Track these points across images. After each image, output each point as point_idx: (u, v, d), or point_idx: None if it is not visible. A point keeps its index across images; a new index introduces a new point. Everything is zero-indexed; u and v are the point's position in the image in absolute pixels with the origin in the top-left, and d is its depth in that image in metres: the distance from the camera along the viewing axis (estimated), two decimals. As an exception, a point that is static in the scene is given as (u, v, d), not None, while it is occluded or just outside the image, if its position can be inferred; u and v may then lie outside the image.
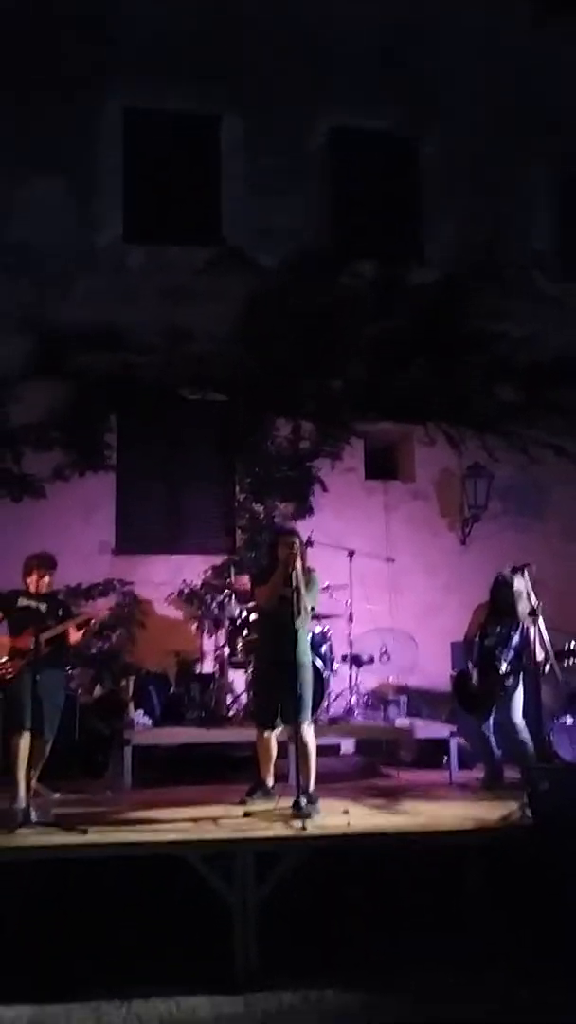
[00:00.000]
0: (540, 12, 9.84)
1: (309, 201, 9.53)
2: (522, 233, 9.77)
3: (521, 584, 6.43)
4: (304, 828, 4.96)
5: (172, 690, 7.52)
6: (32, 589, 5.91)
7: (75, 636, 6.08)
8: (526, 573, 6.32)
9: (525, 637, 6.37)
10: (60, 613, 6.01)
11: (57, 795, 5.97)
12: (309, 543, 7.33)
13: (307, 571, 5.74)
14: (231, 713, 7.14)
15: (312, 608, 5.73)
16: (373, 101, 9.70)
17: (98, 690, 7.90)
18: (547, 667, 6.30)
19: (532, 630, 6.40)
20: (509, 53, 9.92)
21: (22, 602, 5.94)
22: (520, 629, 6.41)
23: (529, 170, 10.00)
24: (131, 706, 7.13)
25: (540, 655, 6.25)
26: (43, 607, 5.86)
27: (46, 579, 5.98)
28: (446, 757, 6.96)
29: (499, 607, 6.52)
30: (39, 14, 9.12)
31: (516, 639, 6.38)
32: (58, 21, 9.11)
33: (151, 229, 9.29)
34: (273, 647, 5.66)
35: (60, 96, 9.08)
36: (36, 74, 9.06)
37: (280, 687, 5.58)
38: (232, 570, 8.46)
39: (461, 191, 9.74)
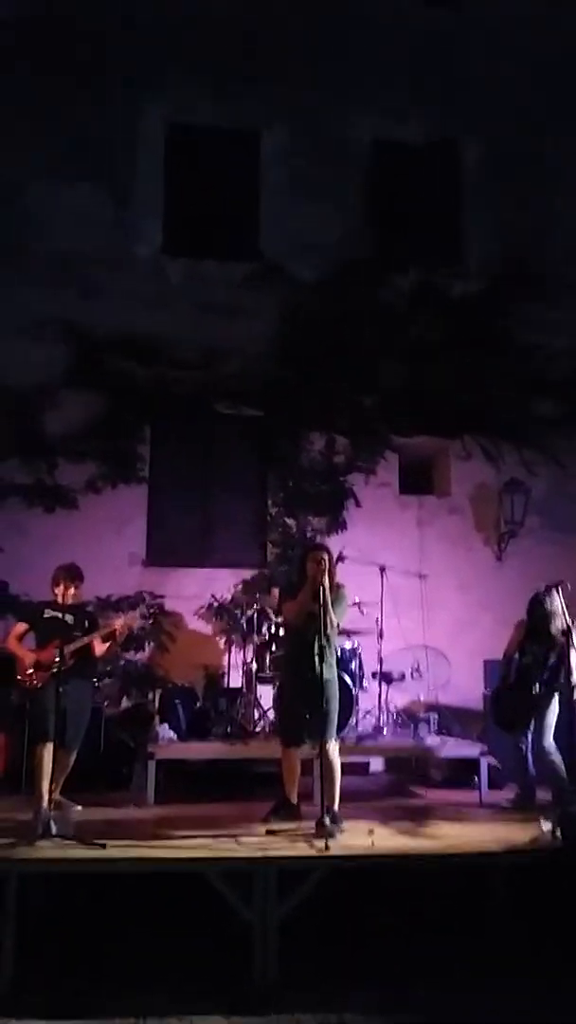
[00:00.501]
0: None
1: (349, 214, 9.47)
2: (565, 243, 9.59)
3: (555, 603, 6.30)
4: (326, 848, 4.88)
5: (199, 704, 7.47)
6: (59, 600, 5.91)
7: (101, 648, 6.08)
8: (560, 591, 6.18)
9: (560, 657, 6.25)
10: (87, 625, 6.01)
11: (79, 808, 5.94)
12: (340, 558, 7.29)
13: (336, 587, 5.68)
14: (258, 729, 7.06)
15: (338, 625, 5.64)
16: (413, 111, 9.67)
17: (125, 702, 7.88)
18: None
19: (569, 650, 6.30)
20: (551, 57, 9.83)
21: (48, 614, 5.95)
22: (557, 650, 6.29)
23: (573, 177, 9.84)
24: (157, 719, 7.09)
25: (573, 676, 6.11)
26: (69, 619, 5.86)
27: (72, 590, 5.99)
28: (476, 777, 6.81)
29: (535, 626, 6.40)
30: (83, 25, 9.22)
31: (552, 659, 6.26)
32: (102, 33, 9.22)
33: (190, 242, 9.31)
34: (300, 663, 5.58)
35: (102, 107, 9.18)
36: (79, 85, 9.15)
37: (306, 703, 5.52)
38: (264, 585, 8.43)
39: (503, 201, 9.65)
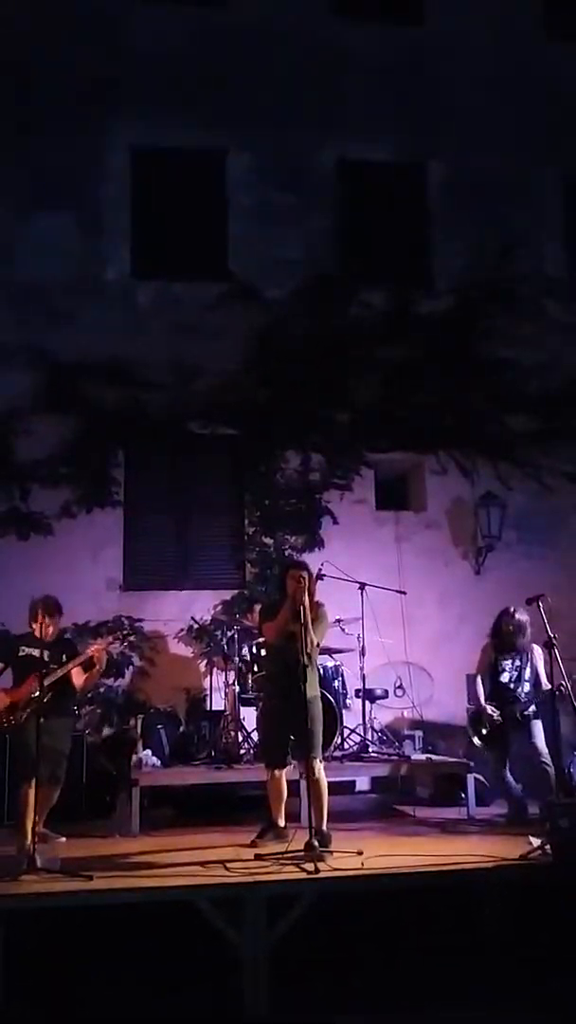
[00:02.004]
0: (546, 29, 9.94)
1: (317, 232, 9.54)
2: (533, 259, 9.69)
3: (524, 617, 6.35)
4: (316, 870, 4.81)
5: (182, 728, 7.39)
6: (37, 635, 5.80)
7: (80, 679, 5.97)
8: (541, 604, 6.18)
9: (535, 668, 6.31)
10: (64, 659, 5.91)
11: (63, 840, 5.83)
12: (320, 576, 7.23)
13: (316, 606, 5.64)
14: (242, 751, 6.97)
15: (318, 643, 5.60)
16: (379, 130, 9.75)
17: (106, 730, 7.77)
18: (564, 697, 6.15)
19: (539, 662, 6.37)
20: (515, 76, 9.98)
21: (23, 651, 5.86)
22: (530, 661, 6.36)
23: (540, 195, 9.99)
24: (139, 745, 6.99)
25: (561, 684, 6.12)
26: (46, 654, 5.75)
27: (50, 628, 5.87)
28: (463, 793, 6.78)
29: (506, 641, 6.45)
30: (46, 51, 9.25)
31: (528, 671, 6.34)
32: (65, 58, 9.23)
33: (159, 264, 9.32)
34: (281, 683, 5.53)
35: (68, 133, 9.17)
36: (43, 110, 9.18)
37: (289, 724, 5.47)
38: (243, 605, 8.37)
39: (470, 218, 9.73)
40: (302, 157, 9.69)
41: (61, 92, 9.21)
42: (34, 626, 5.80)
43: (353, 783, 8.06)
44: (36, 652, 5.69)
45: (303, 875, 4.81)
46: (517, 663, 6.48)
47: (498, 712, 6.33)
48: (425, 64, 9.93)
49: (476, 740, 6.42)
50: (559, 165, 10.06)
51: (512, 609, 6.48)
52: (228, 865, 5.03)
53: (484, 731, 6.35)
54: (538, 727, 6.33)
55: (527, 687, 6.39)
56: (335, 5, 9.95)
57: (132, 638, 7.43)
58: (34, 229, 9.06)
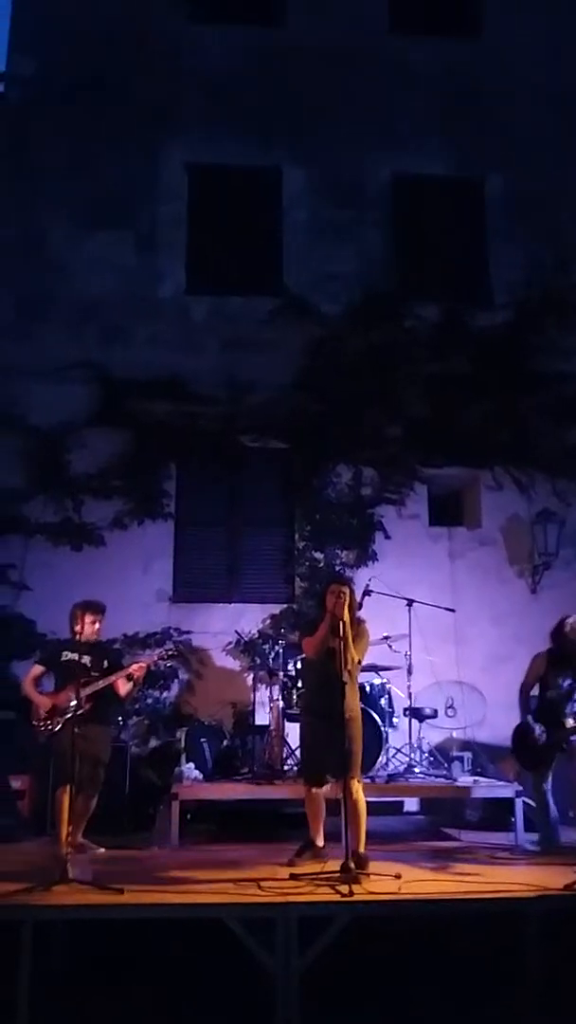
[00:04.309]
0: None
1: (372, 248, 9.52)
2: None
3: None
4: (351, 893, 4.69)
5: (226, 742, 7.34)
6: (79, 637, 5.84)
7: (125, 688, 5.99)
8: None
9: None
10: (106, 665, 5.93)
11: (102, 850, 5.83)
12: (367, 592, 7.15)
13: (357, 622, 5.55)
14: (285, 767, 6.90)
15: (359, 661, 5.50)
16: (434, 144, 9.71)
17: (152, 741, 7.77)
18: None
19: None
20: (570, 90, 9.83)
21: (65, 656, 5.89)
22: None
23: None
24: (183, 758, 6.97)
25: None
26: (87, 660, 5.78)
27: (95, 625, 5.92)
28: (512, 818, 6.58)
29: (562, 656, 6.19)
30: (103, 69, 9.43)
31: None
32: (121, 75, 9.41)
33: (213, 280, 9.40)
34: (320, 700, 5.44)
35: (124, 150, 9.35)
36: (100, 128, 9.35)
37: (328, 741, 5.36)
38: (291, 620, 8.32)
39: (527, 231, 9.59)
40: (357, 172, 9.68)
41: (119, 110, 9.39)
42: (76, 629, 5.83)
43: (401, 803, 7.90)
44: (76, 657, 5.72)
45: (337, 897, 4.70)
46: (569, 680, 6.19)
47: (545, 733, 6.09)
48: (482, 78, 9.85)
49: (517, 760, 6.20)
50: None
51: (569, 621, 6.22)
52: (262, 884, 4.94)
53: (527, 751, 6.12)
54: None
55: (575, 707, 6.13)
56: (392, 21, 9.94)
57: (177, 656, 7.42)
58: (90, 246, 9.23)
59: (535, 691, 6.38)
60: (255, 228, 9.56)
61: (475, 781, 7.05)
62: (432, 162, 9.75)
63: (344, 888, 4.74)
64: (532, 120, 9.71)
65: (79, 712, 5.40)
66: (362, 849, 5.33)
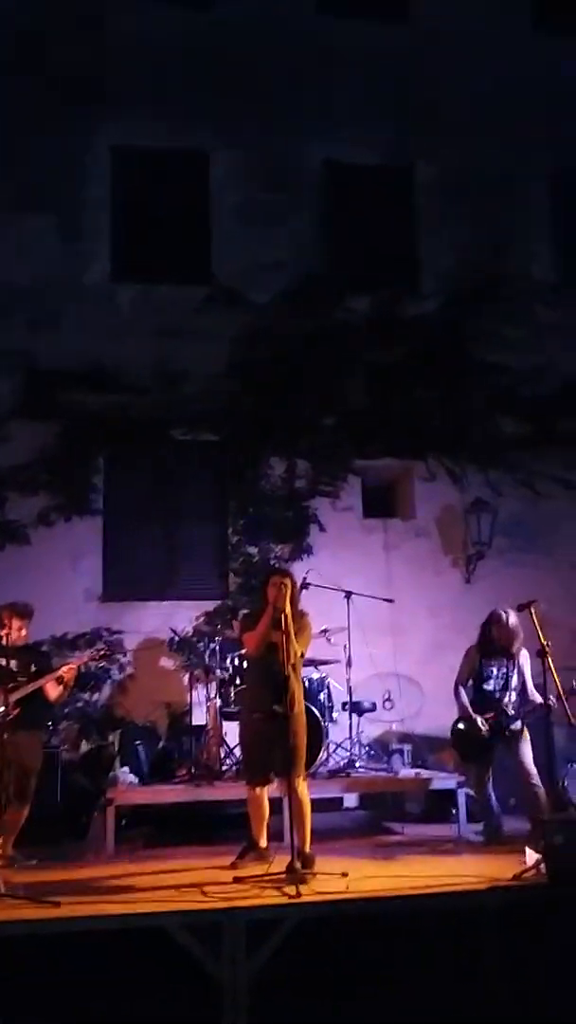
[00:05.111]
0: (537, 25, 9.83)
1: (302, 235, 9.35)
2: (522, 261, 9.52)
3: (516, 619, 6.08)
4: (298, 894, 4.54)
5: (161, 744, 7.13)
6: (5, 642, 5.54)
7: (54, 692, 5.73)
8: (533, 610, 5.94)
9: (523, 676, 6.04)
10: (34, 669, 5.66)
11: (34, 862, 5.56)
12: (304, 585, 7.00)
13: (299, 614, 5.40)
14: (224, 768, 6.70)
15: (302, 655, 5.35)
16: (366, 129, 9.55)
17: (84, 745, 7.48)
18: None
19: (527, 669, 6.13)
20: (503, 75, 9.80)
21: None
22: (517, 669, 6.09)
23: (528, 196, 9.81)
24: (117, 762, 6.71)
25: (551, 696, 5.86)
26: (13, 663, 5.49)
27: (19, 631, 5.63)
28: (454, 810, 6.52)
29: (494, 648, 6.17)
30: (27, 51, 9.04)
31: (515, 679, 6.06)
32: (45, 58, 9.03)
33: (140, 267, 9.10)
34: (262, 696, 5.28)
35: (48, 133, 8.97)
36: (23, 111, 8.96)
37: (271, 739, 5.20)
38: (226, 616, 8.13)
39: (458, 220, 9.54)
40: (287, 157, 9.50)
41: (41, 92, 9.00)
42: (2, 633, 5.53)
43: (340, 799, 7.78)
44: (3, 661, 5.44)
45: (284, 899, 4.54)
46: (504, 670, 6.20)
47: (487, 724, 6.05)
48: (412, 63, 9.75)
49: (459, 754, 6.16)
50: (548, 165, 9.91)
51: (502, 611, 6.21)
52: (205, 889, 4.76)
53: (468, 744, 6.07)
54: (526, 743, 6.06)
55: (514, 696, 6.12)
56: (320, 3, 9.78)
57: (109, 656, 7.16)
58: (13, 231, 8.83)
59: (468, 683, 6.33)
60: (183, 213, 9.30)
61: (417, 773, 6.98)
62: (362, 148, 9.61)
63: (291, 889, 4.61)
64: (462, 106, 9.65)
65: (7, 718, 5.12)
66: (307, 848, 5.18)
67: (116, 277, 9.08)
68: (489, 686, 6.21)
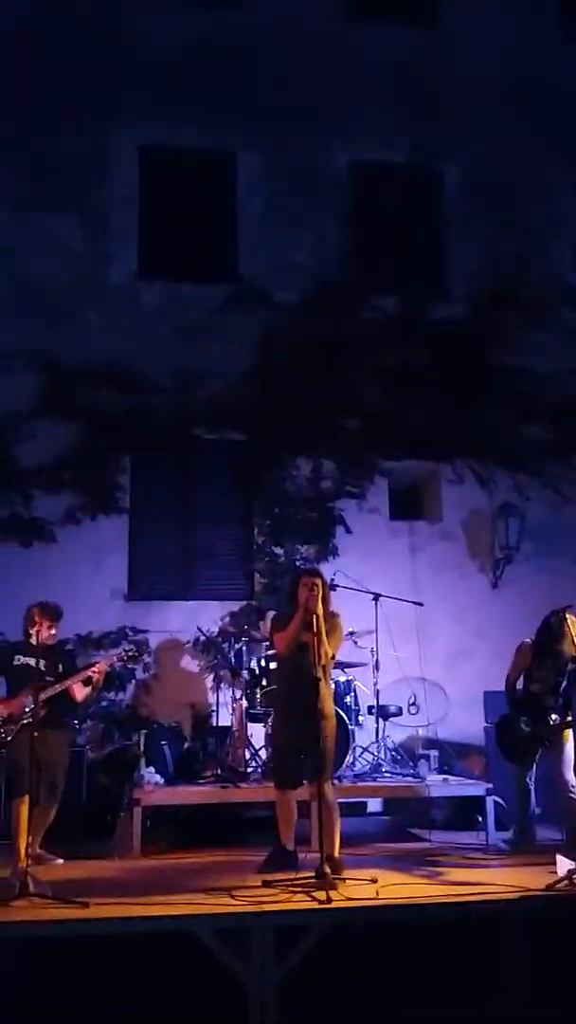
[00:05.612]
0: (565, 29, 9.71)
1: (327, 236, 9.28)
2: (549, 265, 9.42)
3: (567, 627, 5.95)
4: (328, 899, 4.47)
5: (187, 744, 7.08)
6: (34, 642, 5.50)
7: (81, 692, 5.69)
8: (569, 616, 5.85)
9: (572, 684, 5.90)
10: (61, 669, 5.63)
11: (60, 861, 5.53)
12: (332, 587, 6.93)
13: (330, 615, 5.33)
14: (249, 769, 6.65)
15: (333, 656, 5.29)
16: (392, 132, 9.51)
17: (108, 745, 7.44)
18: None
19: None
20: (531, 79, 9.72)
21: (19, 660, 5.59)
22: (568, 675, 5.94)
23: (555, 199, 9.73)
24: (142, 762, 6.66)
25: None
26: (42, 664, 5.46)
27: (52, 631, 5.62)
28: (481, 817, 6.43)
29: (546, 649, 6.02)
30: (54, 49, 9.03)
31: (564, 686, 5.91)
32: (73, 56, 9.01)
33: (166, 266, 9.07)
34: (293, 697, 5.23)
35: (74, 132, 8.95)
36: (50, 109, 8.95)
37: (301, 741, 5.14)
38: (251, 616, 8.08)
39: (484, 223, 9.45)
40: (314, 159, 9.45)
41: (68, 90, 8.98)
42: (31, 632, 5.49)
43: (364, 804, 7.71)
44: (32, 662, 5.41)
45: (314, 904, 4.48)
46: (553, 675, 5.96)
47: (530, 725, 5.91)
48: (440, 66, 9.67)
49: (501, 752, 6.05)
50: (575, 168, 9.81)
51: (556, 615, 5.99)
52: (234, 893, 4.70)
53: (510, 743, 5.96)
54: (568, 752, 5.88)
55: (560, 703, 5.91)
56: (349, 6, 9.73)
57: (137, 657, 7.11)
58: (38, 229, 8.81)
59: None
60: (209, 213, 9.26)
61: (445, 780, 6.90)
62: (389, 151, 9.57)
63: (321, 895, 4.54)
64: (490, 109, 9.57)
65: (36, 718, 5.08)
66: (337, 853, 5.12)
67: (141, 277, 9.05)
68: (536, 688, 6.04)
